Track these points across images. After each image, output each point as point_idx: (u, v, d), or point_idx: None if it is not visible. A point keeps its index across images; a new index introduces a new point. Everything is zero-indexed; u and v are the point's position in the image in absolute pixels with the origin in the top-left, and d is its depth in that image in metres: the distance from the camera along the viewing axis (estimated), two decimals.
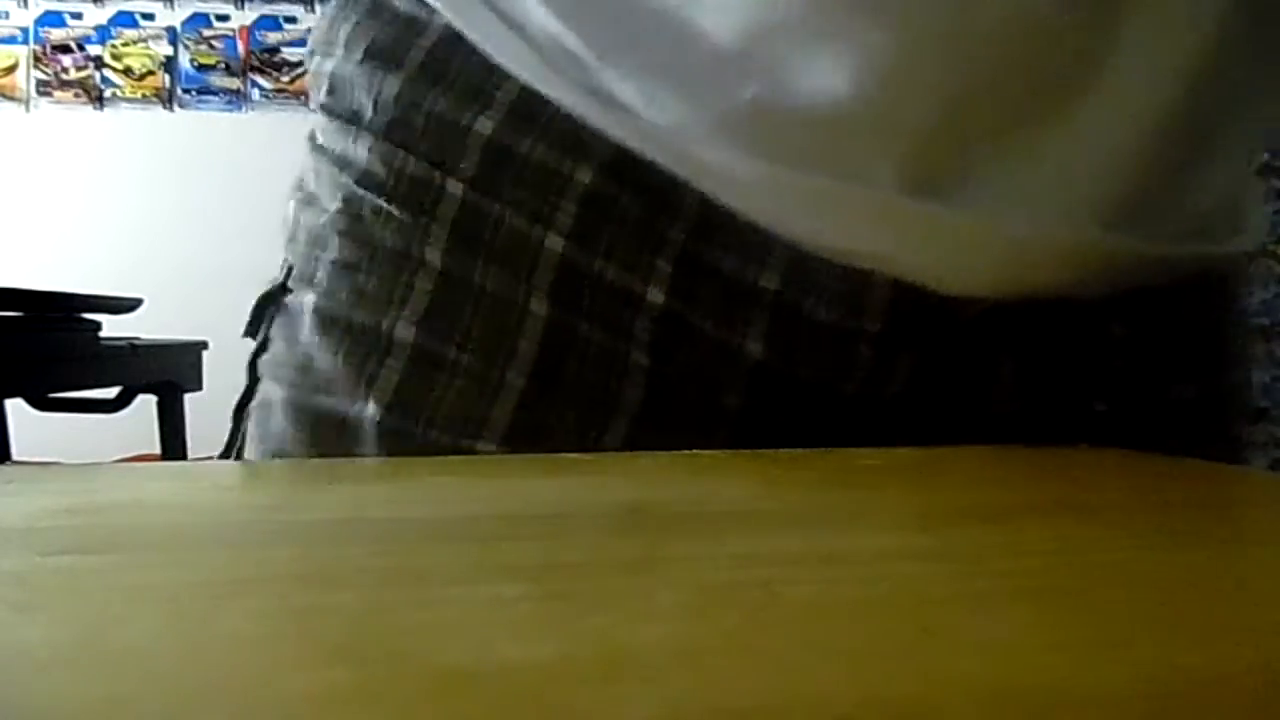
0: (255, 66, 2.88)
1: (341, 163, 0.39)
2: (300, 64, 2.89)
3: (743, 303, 0.36)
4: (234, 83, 2.87)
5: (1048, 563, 0.20)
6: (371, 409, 0.37)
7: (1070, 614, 0.17)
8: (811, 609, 0.17)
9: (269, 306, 0.41)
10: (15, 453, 1.74)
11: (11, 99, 2.84)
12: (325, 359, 0.38)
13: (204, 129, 2.83)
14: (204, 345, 1.84)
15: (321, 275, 0.39)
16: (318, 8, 2.89)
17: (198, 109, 2.86)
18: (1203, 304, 0.40)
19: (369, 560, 0.20)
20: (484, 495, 0.28)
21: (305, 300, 0.39)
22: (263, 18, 2.88)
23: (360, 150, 0.39)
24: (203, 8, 2.89)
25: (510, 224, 0.36)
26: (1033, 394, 0.38)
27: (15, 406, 1.67)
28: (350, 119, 0.39)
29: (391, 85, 0.38)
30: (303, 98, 2.85)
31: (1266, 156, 2.53)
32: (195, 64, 2.89)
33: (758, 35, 0.32)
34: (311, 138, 0.42)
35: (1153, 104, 0.33)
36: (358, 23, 0.40)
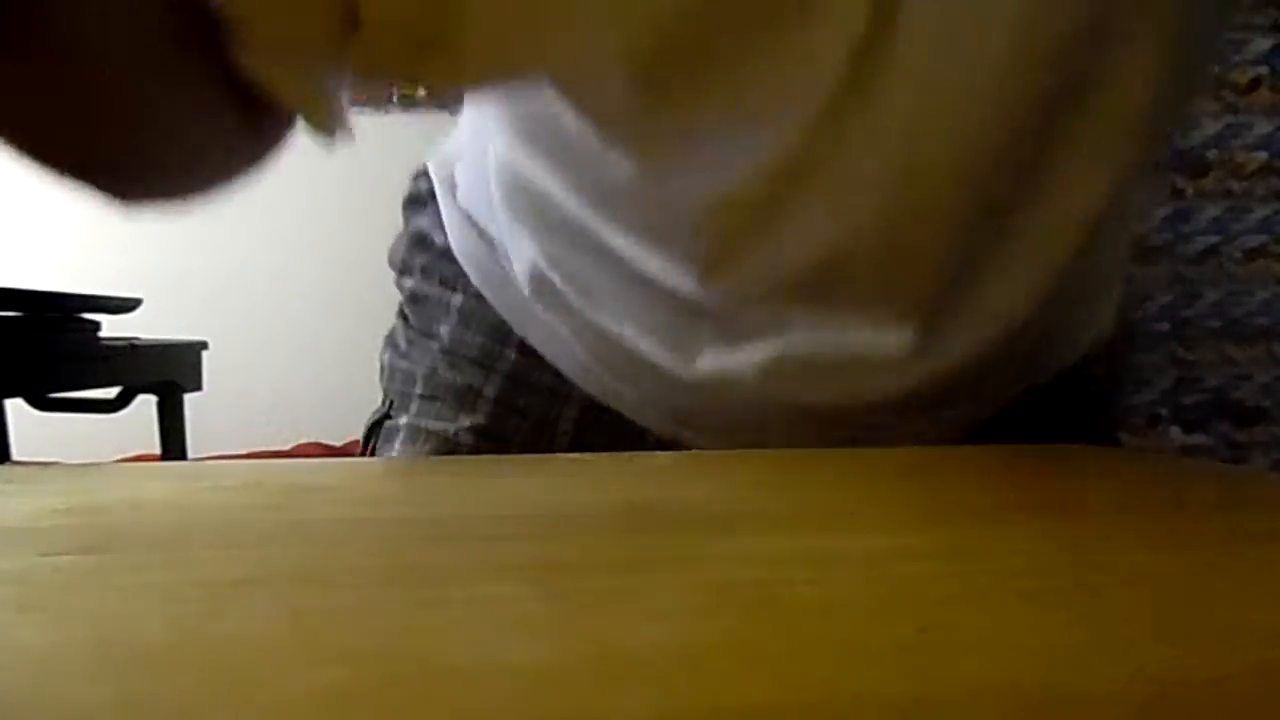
0: None
1: (430, 334, 0.53)
2: None
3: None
4: None
5: (1046, 563, 0.20)
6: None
7: (1070, 614, 0.17)
8: (811, 609, 0.17)
9: (378, 430, 0.53)
10: (15, 453, 1.73)
11: None
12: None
13: None
14: (204, 345, 1.84)
15: (413, 405, 0.52)
16: None
17: None
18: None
19: (369, 560, 0.20)
20: (484, 495, 0.28)
21: (401, 421, 0.52)
22: None
23: (442, 331, 0.52)
24: None
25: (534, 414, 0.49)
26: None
27: (15, 406, 1.66)
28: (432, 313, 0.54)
29: (451, 317, 0.52)
30: None
31: (1265, 156, 2.53)
32: None
33: (676, 350, 0.42)
34: (401, 312, 0.55)
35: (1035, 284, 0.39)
36: (415, 250, 0.53)
